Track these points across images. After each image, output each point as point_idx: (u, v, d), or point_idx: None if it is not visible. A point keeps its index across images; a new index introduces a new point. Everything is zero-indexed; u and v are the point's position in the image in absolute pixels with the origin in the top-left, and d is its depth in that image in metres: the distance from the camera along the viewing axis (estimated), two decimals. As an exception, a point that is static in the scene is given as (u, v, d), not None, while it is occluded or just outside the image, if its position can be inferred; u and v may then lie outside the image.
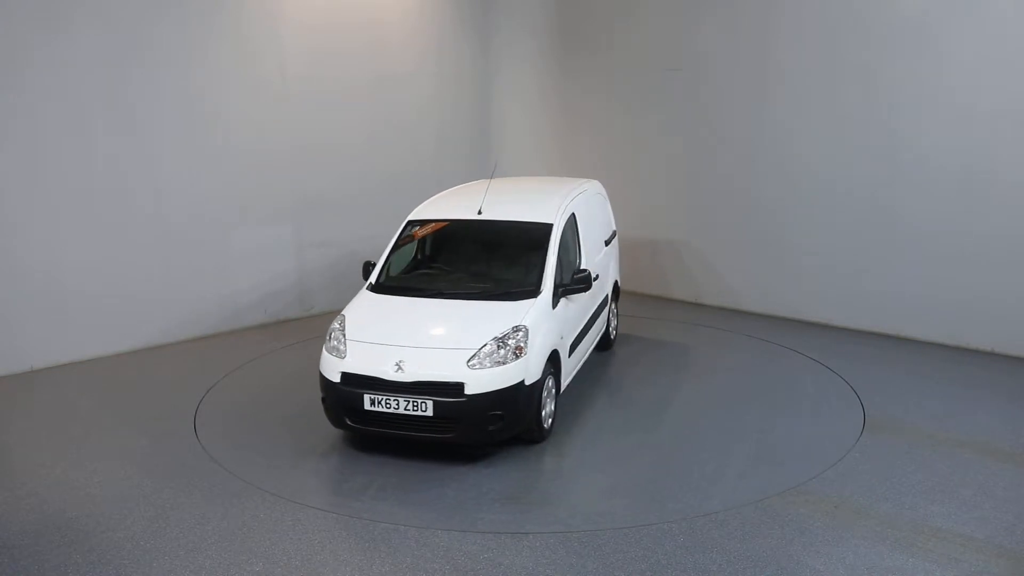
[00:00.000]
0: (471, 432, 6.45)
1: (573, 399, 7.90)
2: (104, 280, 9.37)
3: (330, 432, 7.21)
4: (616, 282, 9.65)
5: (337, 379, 6.66)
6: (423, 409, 6.38)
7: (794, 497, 5.99)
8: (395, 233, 8.11)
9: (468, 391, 6.33)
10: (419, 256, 8.23)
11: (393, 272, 7.87)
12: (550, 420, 7.05)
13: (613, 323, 9.53)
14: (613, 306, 9.49)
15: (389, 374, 6.47)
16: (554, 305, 7.17)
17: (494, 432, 6.46)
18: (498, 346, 6.50)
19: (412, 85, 11.89)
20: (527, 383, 6.52)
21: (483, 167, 12.68)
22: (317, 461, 6.79)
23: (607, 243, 9.26)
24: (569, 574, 5.08)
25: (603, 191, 9.57)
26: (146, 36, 9.37)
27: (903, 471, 6.37)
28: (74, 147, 9.01)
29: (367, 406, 6.51)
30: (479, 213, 7.90)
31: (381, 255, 7.96)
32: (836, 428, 7.23)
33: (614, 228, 9.75)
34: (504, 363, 6.44)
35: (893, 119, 9.46)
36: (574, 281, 7.47)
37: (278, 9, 10.40)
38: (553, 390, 7.11)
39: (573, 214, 8.09)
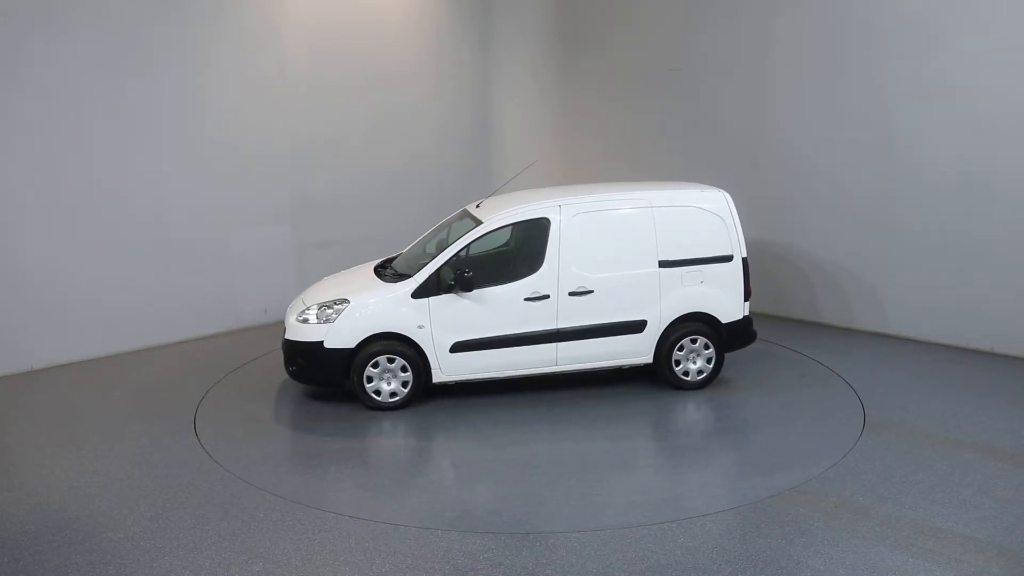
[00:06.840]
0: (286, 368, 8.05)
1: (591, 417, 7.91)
2: (104, 280, 9.37)
3: (331, 432, 7.23)
4: (713, 317, 8.03)
5: None
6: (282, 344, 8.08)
7: (794, 497, 5.99)
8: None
9: (286, 336, 7.93)
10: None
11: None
12: (396, 397, 7.70)
13: (696, 364, 8.11)
14: (706, 343, 8.06)
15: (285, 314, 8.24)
16: (420, 295, 7.65)
17: (291, 373, 7.96)
18: (317, 310, 7.77)
19: (412, 85, 11.89)
20: (327, 345, 7.61)
21: (483, 167, 12.69)
22: (317, 461, 6.80)
23: (670, 264, 7.90)
24: (569, 574, 5.09)
25: (708, 204, 8.04)
26: (146, 37, 9.37)
27: (903, 471, 6.37)
28: (74, 147, 9.02)
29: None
30: (476, 207, 8.36)
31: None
32: (836, 428, 7.22)
33: (727, 253, 8.01)
34: (307, 323, 7.75)
35: (893, 119, 9.46)
36: (454, 279, 7.61)
37: (278, 9, 10.40)
38: (404, 372, 7.66)
39: (546, 219, 7.75)
